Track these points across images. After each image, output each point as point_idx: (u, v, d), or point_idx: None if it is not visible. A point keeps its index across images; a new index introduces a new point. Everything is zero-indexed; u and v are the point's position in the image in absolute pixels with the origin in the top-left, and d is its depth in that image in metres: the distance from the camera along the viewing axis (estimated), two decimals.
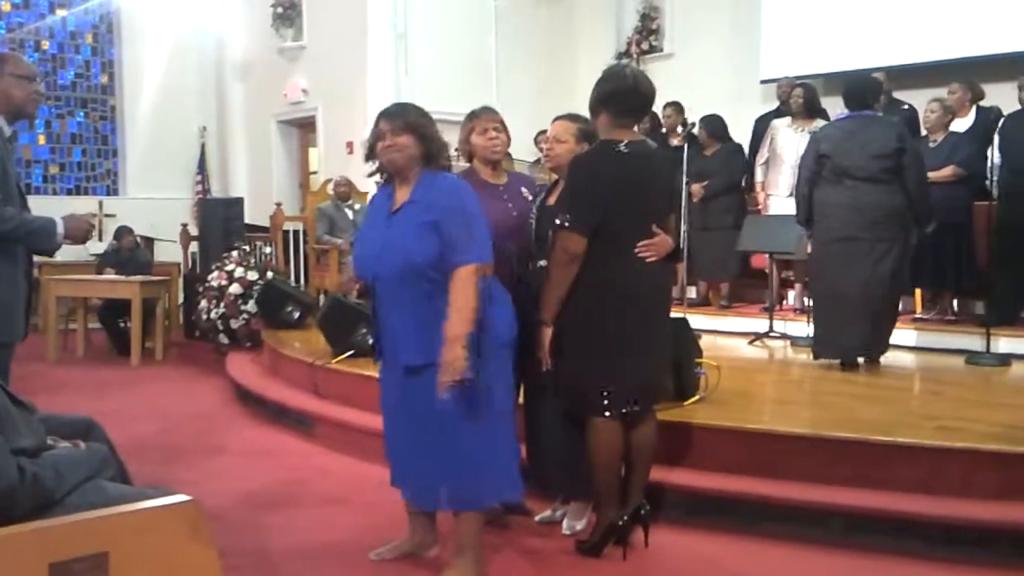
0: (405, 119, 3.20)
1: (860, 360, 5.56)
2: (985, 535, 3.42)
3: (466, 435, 3.13)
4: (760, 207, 7.72)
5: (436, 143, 3.23)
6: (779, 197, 7.46)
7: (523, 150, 7.54)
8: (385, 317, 3.22)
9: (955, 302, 6.87)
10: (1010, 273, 6.39)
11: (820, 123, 7.06)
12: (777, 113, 8.07)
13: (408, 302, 3.12)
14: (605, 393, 3.34)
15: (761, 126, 8.12)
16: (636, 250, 3.34)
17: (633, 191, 3.35)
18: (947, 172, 6.49)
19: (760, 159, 7.72)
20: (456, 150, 3.76)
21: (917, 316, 7.01)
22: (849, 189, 5.41)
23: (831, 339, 5.56)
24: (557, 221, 3.34)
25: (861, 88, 5.66)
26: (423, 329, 3.08)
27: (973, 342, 6.16)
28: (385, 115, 3.25)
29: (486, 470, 3.18)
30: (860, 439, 3.84)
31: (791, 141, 7.32)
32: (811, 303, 5.88)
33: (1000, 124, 6.22)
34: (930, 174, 6.37)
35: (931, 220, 5.55)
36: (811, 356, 5.77)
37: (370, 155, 3.29)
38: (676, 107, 8.36)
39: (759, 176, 7.72)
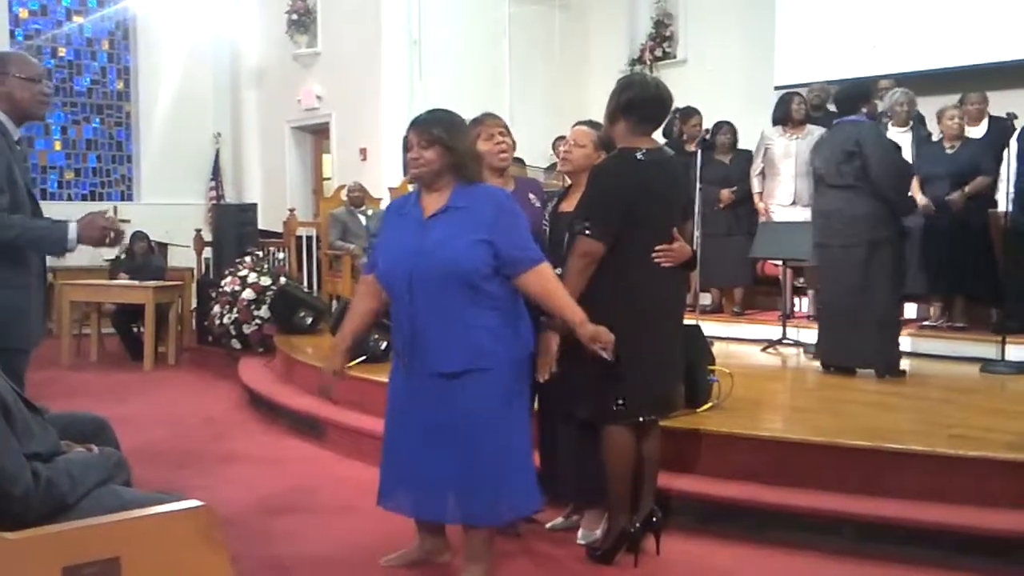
0: (431, 132, 3.08)
1: (866, 370, 5.53)
2: (999, 544, 3.40)
3: (493, 446, 3.10)
4: (763, 217, 7.62)
5: (464, 155, 3.13)
6: (780, 206, 7.38)
7: (536, 156, 7.54)
8: (415, 322, 3.09)
9: (966, 310, 6.82)
10: None
11: (814, 130, 7.02)
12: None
13: (448, 308, 3.04)
14: (621, 401, 3.33)
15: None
16: (652, 255, 3.34)
17: (652, 199, 3.35)
18: (983, 183, 6.48)
19: (755, 169, 7.62)
20: None
21: (926, 323, 6.97)
22: (822, 196, 5.58)
23: (827, 346, 5.62)
24: (576, 227, 3.33)
25: (846, 94, 5.68)
26: (463, 336, 3.05)
27: (988, 350, 6.12)
28: (413, 124, 3.14)
29: (506, 484, 3.13)
30: (873, 447, 3.82)
31: (784, 149, 7.31)
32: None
33: (1019, 131, 6.19)
34: (965, 188, 6.39)
35: (908, 211, 5.65)
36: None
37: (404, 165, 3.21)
38: (698, 114, 8.31)
39: (756, 187, 7.62)
